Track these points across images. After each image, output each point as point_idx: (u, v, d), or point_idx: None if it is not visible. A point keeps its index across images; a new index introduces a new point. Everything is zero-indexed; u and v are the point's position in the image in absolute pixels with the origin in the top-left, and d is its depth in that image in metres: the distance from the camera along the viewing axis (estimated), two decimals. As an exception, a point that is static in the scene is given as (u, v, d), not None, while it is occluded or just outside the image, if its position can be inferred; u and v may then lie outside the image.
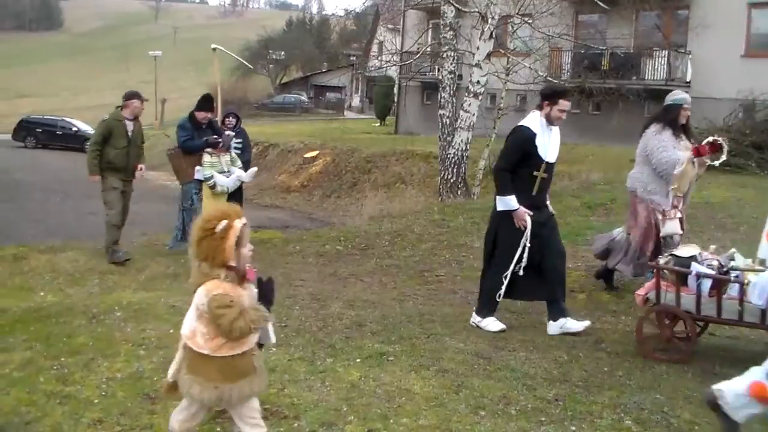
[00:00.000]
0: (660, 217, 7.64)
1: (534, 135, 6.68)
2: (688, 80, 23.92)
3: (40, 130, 41.20)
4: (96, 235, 12.82)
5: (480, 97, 15.18)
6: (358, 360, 5.71)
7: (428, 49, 21.92)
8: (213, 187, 9.95)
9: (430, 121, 28.20)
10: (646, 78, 24.39)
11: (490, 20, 14.83)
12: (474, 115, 15.05)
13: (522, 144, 6.74)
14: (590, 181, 14.87)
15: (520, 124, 6.85)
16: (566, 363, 5.88)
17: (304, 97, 68.02)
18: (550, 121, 6.73)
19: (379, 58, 31.30)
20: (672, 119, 7.59)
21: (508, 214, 6.76)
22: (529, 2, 18.20)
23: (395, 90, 37.78)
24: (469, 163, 16.15)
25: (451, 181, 15.16)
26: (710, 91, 21.92)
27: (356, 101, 67.09)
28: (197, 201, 10.17)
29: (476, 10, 16.17)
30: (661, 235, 7.67)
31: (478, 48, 15.12)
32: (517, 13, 17.36)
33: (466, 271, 9.47)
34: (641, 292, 6.50)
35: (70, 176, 26.39)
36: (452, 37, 16.70)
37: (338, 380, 5.26)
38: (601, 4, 17.60)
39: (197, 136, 10.16)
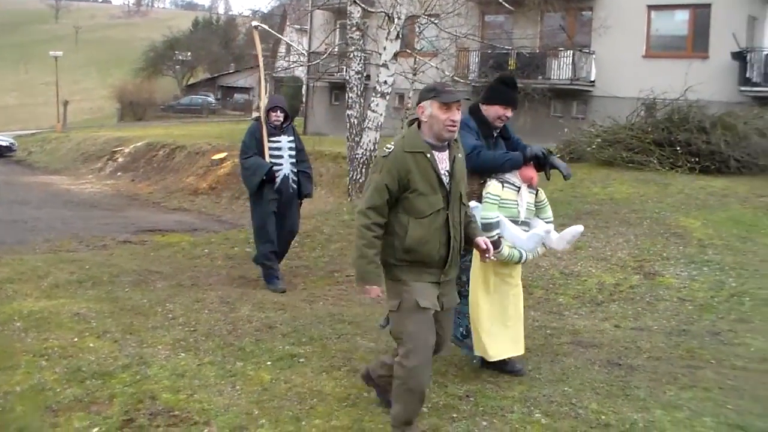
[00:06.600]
0: None
1: None
2: (592, 80, 24.52)
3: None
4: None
5: (387, 97, 15.19)
6: (268, 362, 5.65)
7: (335, 49, 21.88)
8: (498, 247, 5.13)
9: (338, 122, 28.20)
10: (552, 78, 24.89)
11: (396, 20, 14.85)
12: (382, 115, 15.06)
13: None
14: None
15: None
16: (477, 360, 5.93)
17: (211, 99, 67.20)
18: None
19: (286, 59, 31.07)
20: None
21: None
22: (436, 3, 18.35)
23: (303, 91, 37.63)
24: (377, 163, 16.14)
25: (360, 181, 15.11)
26: (613, 90, 22.54)
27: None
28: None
29: (382, 10, 16.21)
30: None
31: (384, 48, 15.12)
32: (424, 14, 17.47)
33: (377, 271, 9.47)
34: None
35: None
36: (359, 38, 16.70)
37: (249, 383, 5.20)
38: (506, 5, 17.83)
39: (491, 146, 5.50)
